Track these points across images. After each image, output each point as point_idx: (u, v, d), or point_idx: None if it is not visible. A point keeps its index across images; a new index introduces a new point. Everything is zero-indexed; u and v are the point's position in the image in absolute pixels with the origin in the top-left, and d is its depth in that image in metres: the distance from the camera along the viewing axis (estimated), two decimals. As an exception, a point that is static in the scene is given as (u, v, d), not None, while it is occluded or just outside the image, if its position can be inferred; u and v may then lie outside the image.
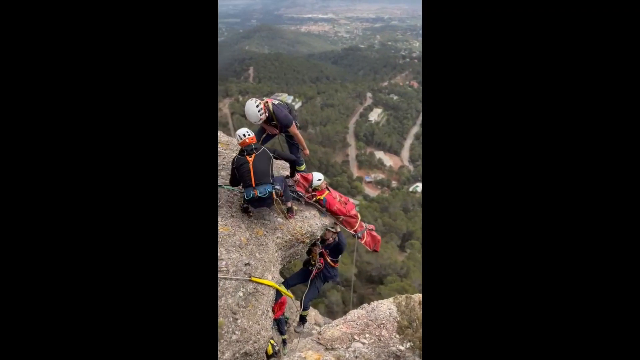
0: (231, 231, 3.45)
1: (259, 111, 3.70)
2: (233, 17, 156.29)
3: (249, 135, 3.59)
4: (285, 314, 4.97)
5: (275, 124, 3.96)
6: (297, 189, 4.33)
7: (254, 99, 3.78)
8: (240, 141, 3.57)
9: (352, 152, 55.83)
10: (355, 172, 50.50)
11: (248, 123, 4.09)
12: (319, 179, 4.23)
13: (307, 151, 4.58)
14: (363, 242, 4.65)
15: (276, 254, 3.62)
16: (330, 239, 4.46)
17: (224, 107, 58.98)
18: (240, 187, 3.66)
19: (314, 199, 4.26)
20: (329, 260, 4.47)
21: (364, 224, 4.72)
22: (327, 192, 4.36)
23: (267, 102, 3.84)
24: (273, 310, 4.58)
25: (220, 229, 3.44)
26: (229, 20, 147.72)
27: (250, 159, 3.49)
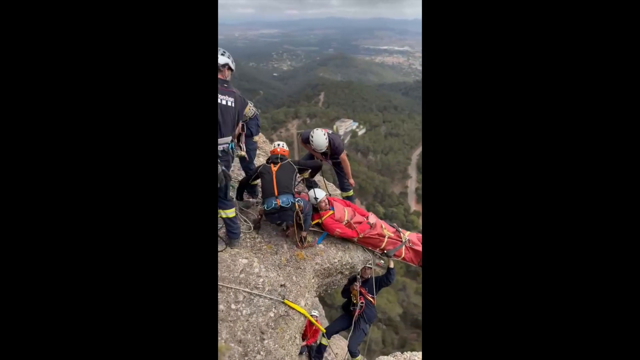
0: (273, 249, 3.56)
1: (325, 139, 4.01)
2: (312, 45, 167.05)
3: (280, 146, 3.70)
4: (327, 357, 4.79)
5: (326, 151, 4.15)
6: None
7: (321, 130, 4.08)
8: (272, 149, 3.72)
9: (412, 184, 53.91)
10: (413, 206, 48.40)
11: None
12: (313, 202, 3.79)
13: (352, 181, 4.58)
14: (401, 258, 4.08)
15: (313, 281, 3.60)
16: (369, 275, 4.22)
17: (292, 127, 62.30)
18: (249, 198, 3.62)
19: (313, 222, 3.80)
20: (369, 299, 4.19)
21: (403, 236, 4.15)
22: (330, 212, 3.86)
23: (325, 132, 4.18)
24: (305, 337, 4.50)
25: (265, 246, 3.57)
26: (308, 48, 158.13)
27: (274, 168, 3.43)
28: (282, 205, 3.33)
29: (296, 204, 3.37)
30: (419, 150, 61.85)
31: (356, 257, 4.02)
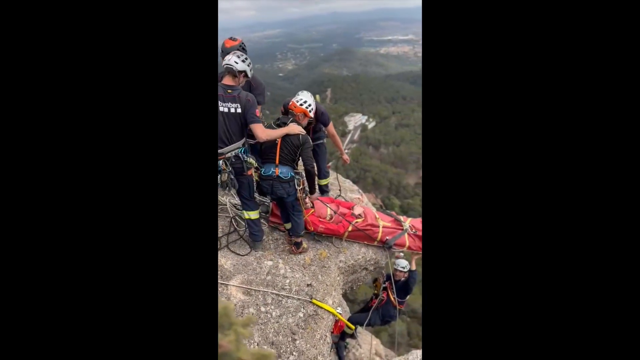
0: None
1: (312, 99, 3.47)
2: (316, 42, 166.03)
3: (305, 106, 3.25)
4: (346, 340, 4.84)
5: (312, 121, 3.63)
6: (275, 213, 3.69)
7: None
8: (291, 103, 3.31)
9: (426, 174, 53.03)
10: (429, 196, 47.56)
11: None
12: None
13: (347, 157, 4.30)
14: (406, 248, 3.84)
15: (338, 278, 3.60)
16: (401, 277, 4.09)
17: (301, 125, 62.14)
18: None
19: None
20: (392, 298, 4.11)
21: (403, 224, 3.93)
22: (311, 210, 3.71)
23: None
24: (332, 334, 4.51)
25: (288, 247, 3.59)
26: (312, 45, 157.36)
27: None
28: (280, 176, 3.05)
29: (296, 179, 3.06)
30: (431, 139, 60.58)
31: (380, 253, 4.00)
